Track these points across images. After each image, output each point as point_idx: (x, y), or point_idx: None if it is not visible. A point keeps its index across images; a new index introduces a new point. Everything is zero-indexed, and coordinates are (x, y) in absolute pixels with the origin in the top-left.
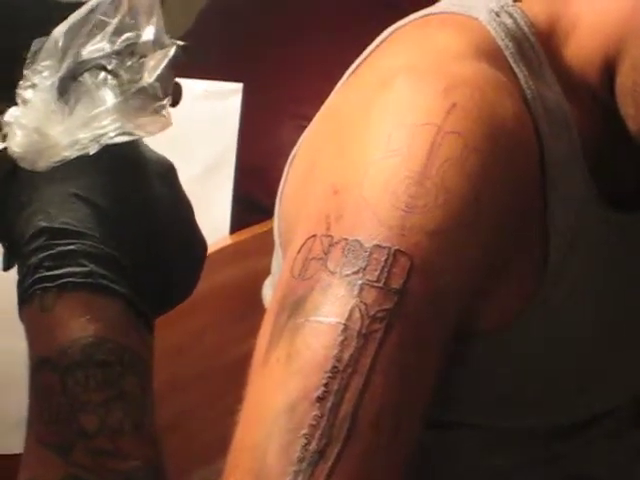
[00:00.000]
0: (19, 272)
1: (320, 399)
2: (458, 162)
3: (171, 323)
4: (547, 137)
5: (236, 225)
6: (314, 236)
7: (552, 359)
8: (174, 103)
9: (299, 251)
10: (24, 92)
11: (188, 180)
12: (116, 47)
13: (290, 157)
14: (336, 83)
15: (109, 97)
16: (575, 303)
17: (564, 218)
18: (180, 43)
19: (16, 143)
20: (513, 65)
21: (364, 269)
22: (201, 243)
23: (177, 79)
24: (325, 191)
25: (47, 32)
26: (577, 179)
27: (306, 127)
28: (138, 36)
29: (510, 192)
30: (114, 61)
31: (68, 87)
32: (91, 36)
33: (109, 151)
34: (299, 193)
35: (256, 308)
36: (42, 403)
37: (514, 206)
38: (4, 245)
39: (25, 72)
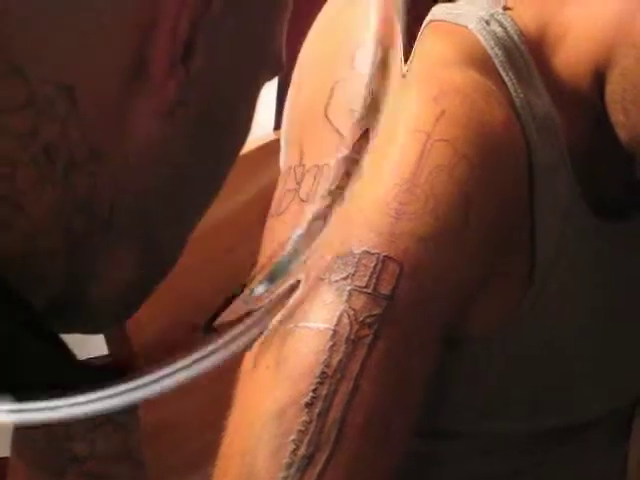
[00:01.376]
0: None
1: (309, 405)
2: (447, 169)
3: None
4: (535, 144)
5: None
6: (290, 168)
7: (542, 362)
8: None
9: (277, 187)
10: None
11: None
12: None
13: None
14: None
15: None
16: (562, 307)
17: (551, 223)
18: None
19: None
20: (502, 73)
21: (353, 275)
22: None
23: None
24: (301, 117)
25: None
26: (564, 186)
27: None
28: None
29: (498, 198)
30: None
31: None
32: None
33: None
34: (289, 108)
35: None
36: (35, 432)
37: (502, 212)
38: None
39: None
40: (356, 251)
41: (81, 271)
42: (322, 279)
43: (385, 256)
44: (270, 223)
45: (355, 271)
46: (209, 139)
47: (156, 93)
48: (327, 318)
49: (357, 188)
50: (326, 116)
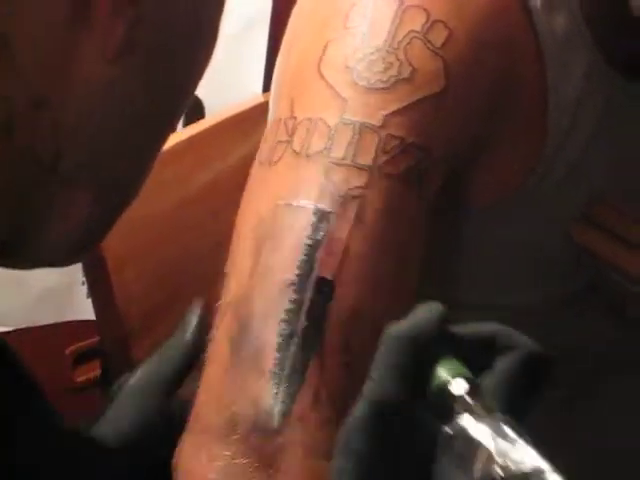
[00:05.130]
0: None
1: (293, 283)
2: (421, 34)
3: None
4: (538, 12)
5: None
6: (280, 120)
7: (547, 233)
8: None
9: (266, 137)
10: None
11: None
12: None
13: None
14: None
15: None
16: (576, 180)
17: (565, 93)
18: None
19: None
20: None
21: (330, 148)
22: None
23: None
24: (293, 72)
25: None
26: (580, 51)
27: None
28: None
29: (481, 64)
30: None
31: None
32: None
33: None
34: (280, 67)
35: None
36: None
37: (489, 77)
38: None
39: None
40: (330, 123)
41: (32, 214)
42: (298, 154)
43: (361, 125)
44: (261, 173)
45: (331, 143)
46: (163, 75)
47: (102, 36)
48: (308, 194)
49: (324, 59)
50: (319, 71)
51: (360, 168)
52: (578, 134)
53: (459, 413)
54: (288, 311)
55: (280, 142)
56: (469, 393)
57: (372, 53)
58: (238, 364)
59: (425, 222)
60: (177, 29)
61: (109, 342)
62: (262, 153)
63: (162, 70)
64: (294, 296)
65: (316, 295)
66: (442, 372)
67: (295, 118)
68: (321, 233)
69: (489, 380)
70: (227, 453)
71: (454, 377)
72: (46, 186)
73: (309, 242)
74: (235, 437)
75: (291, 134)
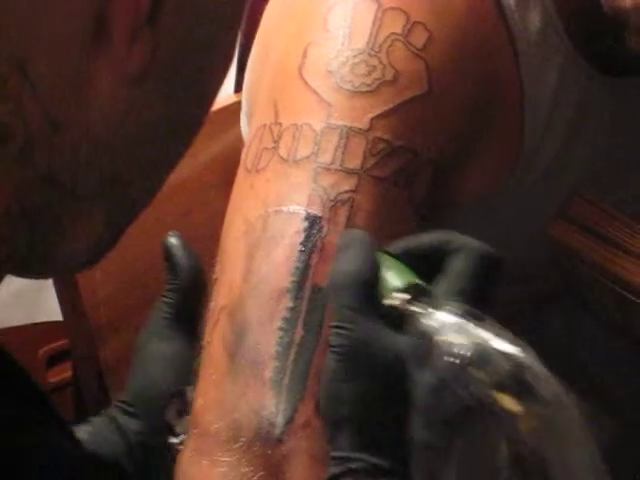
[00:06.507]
0: None
1: (290, 290)
2: (402, 36)
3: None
4: (512, 10)
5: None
6: (264, 125)
7: (526, 231)
8: None
9: (251, 143)
10: None
11: None
12: None
13: None
14: None
15: None
16: (556, 177)
17: (541, 91)
18: None
19: None
20: None
21: (317, 153)
22: None
23: None
24: (274, 77)
25: None
26: (555, 47)
27: None
28: None
29: (462, 64)
30: None
31: None
32: None
33: None
34: (256, 68)
35: None
36: None
37: (470, 77)
38: None
39: None
40: (316, 128)
41: (48, 235)
42: (286, 160)
43: (348, 129)
44: (248, 180)
45: (318, 149)
46: (183, 91)
47: (120, 60)
48: (298, 200)
49: (306, 63)
50: (301, 75)
51: (349, 172)
52: (556, 130)
53: (415, 314)
54: (285, 319)
55: (266, 149)
56: (418, 295)
57: (354, 56)
58: (237, 371)
59: (415, 223)
60: (196, 43)
61: (77, 344)
62: (247, 160)
63: (182, 86)
64: (290, 304)
65: (312, 302)
66: (391, 278)
67: (280, 124)
68: (313, 239)
69: (442, 279)
70: (229, 459)
71: (403, 283)
72: (64, 208)
73: (302, 248)
74: (238, 445)
75: (277, 140)
